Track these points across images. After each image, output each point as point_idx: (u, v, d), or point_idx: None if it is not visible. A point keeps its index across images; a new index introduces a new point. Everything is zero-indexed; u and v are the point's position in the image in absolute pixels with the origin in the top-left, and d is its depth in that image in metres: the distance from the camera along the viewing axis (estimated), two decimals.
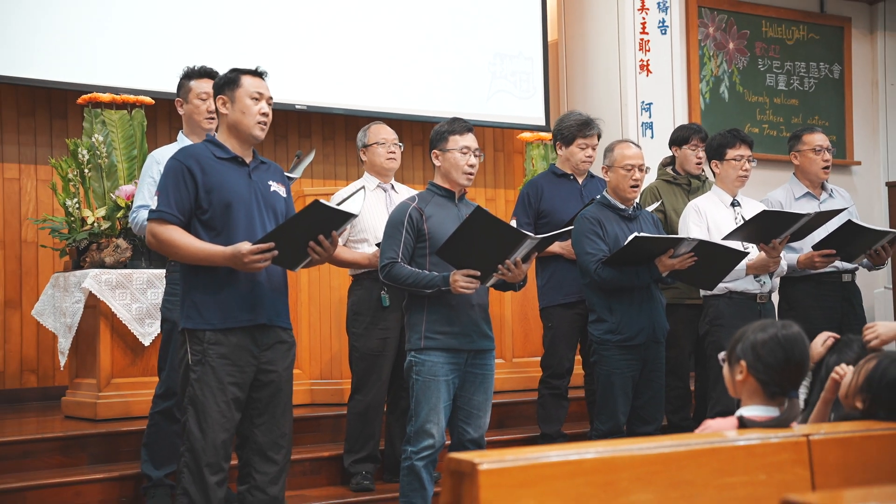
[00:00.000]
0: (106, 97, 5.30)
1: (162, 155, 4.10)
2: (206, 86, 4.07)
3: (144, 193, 4.04)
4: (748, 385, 2.41)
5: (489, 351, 3.75)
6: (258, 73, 3.40)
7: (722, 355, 2.52)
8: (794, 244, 4.57)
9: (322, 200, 3.16)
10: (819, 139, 4.91)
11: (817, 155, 4.89)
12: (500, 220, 3.48)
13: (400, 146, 4.56)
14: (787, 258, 4.67)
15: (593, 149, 4.80)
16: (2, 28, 5.68)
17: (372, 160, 4.53)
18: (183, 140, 4.14)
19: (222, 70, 3.51)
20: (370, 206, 4.45)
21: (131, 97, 5.41)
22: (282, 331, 3.38)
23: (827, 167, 4.91)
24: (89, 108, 5.27)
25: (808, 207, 4.79)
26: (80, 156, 5.09)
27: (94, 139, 5.13)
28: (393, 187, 4.59)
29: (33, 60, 5.77)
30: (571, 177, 4.84)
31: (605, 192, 4.39)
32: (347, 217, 3.26)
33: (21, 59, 5.73)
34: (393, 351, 4.38)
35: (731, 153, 4.60)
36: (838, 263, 4.72)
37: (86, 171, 5.11)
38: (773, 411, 2.37)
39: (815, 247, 4.55)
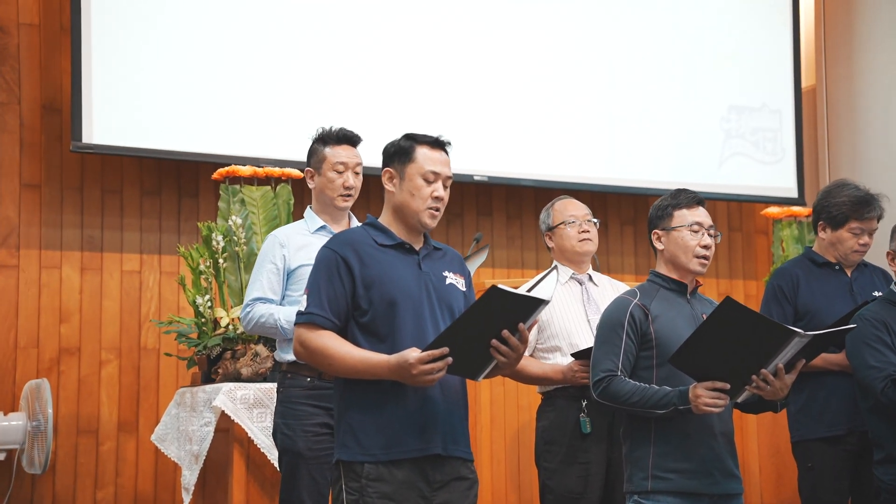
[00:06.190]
0: (246, 171, 5.49)
1: (286, 235, 4.23)
2: (343, 154, 4.19)
3: (262, 282, 4.14)
4: None
5: (737, 496, 3.65)
6: (439, 144, 3.41)
7: None
8: None
9: (502, 286, 3.14)
10: None
11: None
12: (757, 313, 3.41)
13: (595, 223, 4.54)
14: None
15: (870, 235, 4.68)
16: (123, 91, 6.06)
17: (561, 245, 4.52)
18: (312, 218, 4.26)
19: (381, 136, 3.55)
20: (563, 303, 4.44)
21: (276, 170, 5.59)
22: (460, 463, 3.35)
23: None
24: (226, 185, 5.49)
25: None
26: (213, 242, 5.28)
27: (230, 222, 5.31)
28: (591, 278, 4.57)
29: (159, 128, 6.10)
30: (837, 266, 4.72)
31: (893, 287, 4.32)
32: (537, 305, 3.22)
33: (145, 128, 6.08)
34: (597, 492, 4.31)
35: None
36: None
37: (220, 260, 5.29)
38: None
39: None
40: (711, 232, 3.74)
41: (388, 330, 3.28)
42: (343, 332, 3.29)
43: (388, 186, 3.40)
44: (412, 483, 3.24)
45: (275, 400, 4.85)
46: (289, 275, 4.16)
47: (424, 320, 3.31)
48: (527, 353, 4.35)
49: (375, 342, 3.27)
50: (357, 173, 4.23)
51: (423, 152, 3.37)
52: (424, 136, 3.41)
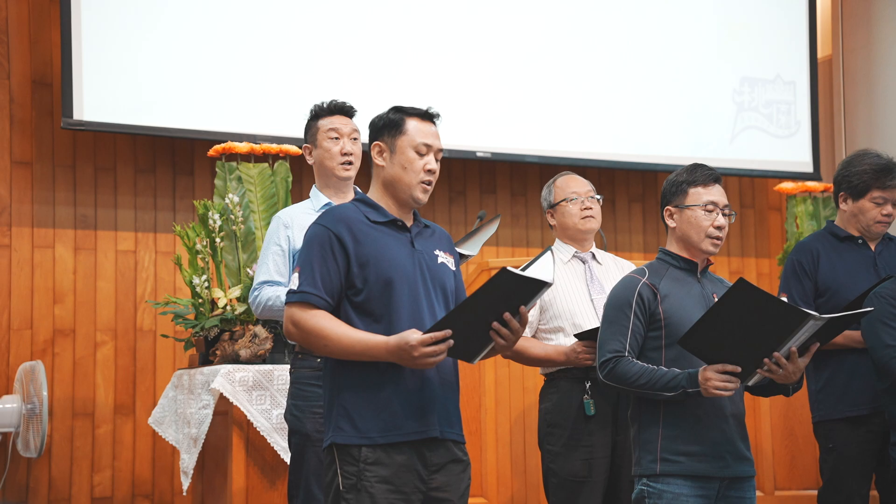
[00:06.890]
0: (243, 147, 5.49)
1: (290, 216, 4.24)
2: (337, 121, 4.22)
3: (269, 265, 4.17)
4: None
5: (748, 479, 3.65)
6: (429, 117, 3.42)
7: None
8: None
9: (512, 268, 3.15)
10: None
11: None
12: (770, 294, 3.40)
13: (599, 199, 4.54)
14: None
15: (894, 205, 4.65)
16: (115, 66, 6.04)
17: (563, 222, 4.51)
18: (317, 196, 4.26)
19: (377, 110, 3.54)
20: (566, 283, 4.43)
21: (273, 147, 5.59)
22: (455, 446, 3.34)
23: None
24: (222, 162, 5.49)
25: None
26: (210, 221, 5.30)
27: (227, 200, 5.32)
28: (594, 257, 4.56)
29: (153, 105, 6.10)
30: (860, 240, 4.71)
31: None
32: (541, 287, 3.22)
33: (139, 104, 6.07)
34: (602, 476, 4.32)
35: None
36: None
37: (217, 240, 5.31)
38: None
39: None
40: (726, 211, 3.71)
41: (383, 310, 3.26)
42: (335, 312, 3.27)
43: (377, 161, 3.38)
44: (411, 466, 3.23)
45: (274, 382, 4.91)
46: (295, 256, 4.15)
47: (420, 300, 3.30)
48: (529, 334, 4.37)
49: (370, 322, 3.25)
50: (355, 139, 4.25)
51: (413, 124, 3.36)
52: (413, 108, 3.40)
